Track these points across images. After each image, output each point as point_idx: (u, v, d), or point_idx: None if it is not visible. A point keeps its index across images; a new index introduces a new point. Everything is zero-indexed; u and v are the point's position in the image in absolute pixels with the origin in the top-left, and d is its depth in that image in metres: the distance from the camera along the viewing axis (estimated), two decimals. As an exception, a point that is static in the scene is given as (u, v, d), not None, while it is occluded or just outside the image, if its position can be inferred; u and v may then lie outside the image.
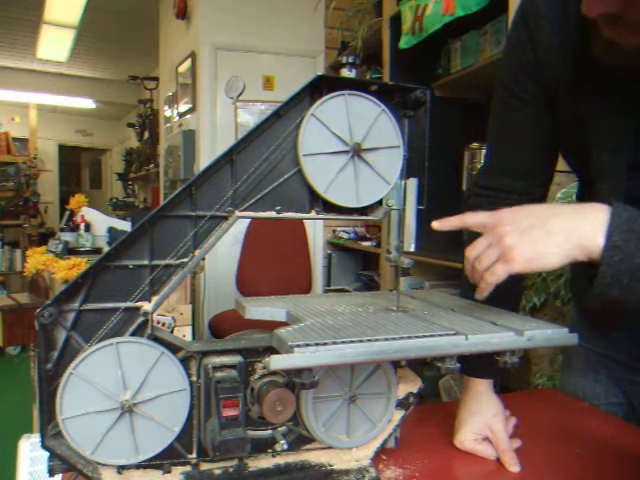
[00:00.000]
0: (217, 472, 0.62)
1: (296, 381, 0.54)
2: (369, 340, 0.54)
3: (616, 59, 0.63)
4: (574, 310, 1.00)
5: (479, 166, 2.16)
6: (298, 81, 0.63)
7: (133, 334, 0.58)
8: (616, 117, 0.70)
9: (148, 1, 4.41)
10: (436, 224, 0.64)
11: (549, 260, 0.56)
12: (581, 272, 0.92)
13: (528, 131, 0.80)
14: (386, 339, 0.55)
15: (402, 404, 0.69)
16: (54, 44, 5.45)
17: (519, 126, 0.81)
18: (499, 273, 0.58)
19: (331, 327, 0.58)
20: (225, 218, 0.61)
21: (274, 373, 0.61)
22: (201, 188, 0.60)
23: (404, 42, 2.36)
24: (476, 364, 0.78)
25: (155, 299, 0.59)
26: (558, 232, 0.56)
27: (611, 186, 0.72)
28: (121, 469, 0.59)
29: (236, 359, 0.61)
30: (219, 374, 0.58)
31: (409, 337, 0.56)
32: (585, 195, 0.85)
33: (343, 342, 0.53)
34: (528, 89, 0.78)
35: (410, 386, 0.69)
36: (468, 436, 0.78)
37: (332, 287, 3.53)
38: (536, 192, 0.83)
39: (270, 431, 0.63)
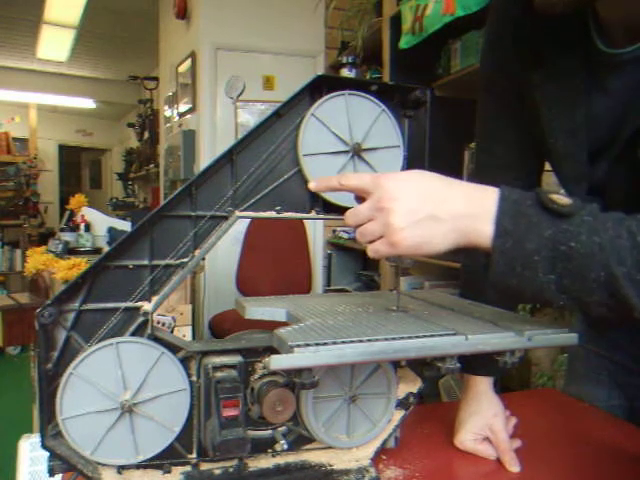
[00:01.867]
0: (217, 472, 0.62)
1: (296, 381, 0.54)
2: (369, 340, 0.54)
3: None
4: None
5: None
6: (298, 81, 0.63)
7: (133, 334, 0.58)
8: (566, 100, 0.70)
9: (148, 1, 4.41)
10: (312, 185, 0.61)
11: (434, 248, 0.53)
12: None
13: (507, 126, 0.81)
14: (386, 339, 0.55)
15: (402, 404, 0.69)
16: (54, 44, 5.45)
17: (499, 122, 0.82)
18: (382, 253, 0.54)
19: (331, 327, 0.58)
20: (225, 218, 0.61)
21: (274, 373, 0.61)
22: (201, 188, 0.60)
23: (404, 42, 2.36)
24: (476, 363, 0.78)
25: (155, 299, 0.59)
26: (446, 220, 0.52)
27: (573, 171, 0.72)
28: (121, 469, 0.59)
29: (236, 359, 0.61)
30: (219, 374, 0.58)
31: (409, 337, 0.56)
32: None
33: (343, 342, 0.53)
34: (501, 85, 0.81)
35: (410, 386, 0.69)
36: (468, 436, 0.78)
37: (332, 287, 3.53)
38: (526, 182, 0.82)
39: (270, 431, 0.63)
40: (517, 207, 0.52)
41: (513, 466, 0.73)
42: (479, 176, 0.86)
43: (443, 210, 0.53)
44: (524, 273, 0.51)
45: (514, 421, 0.81)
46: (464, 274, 0.89)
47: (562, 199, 0.51)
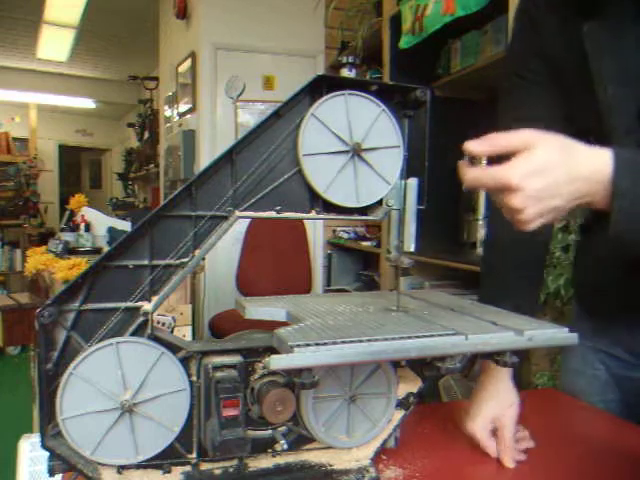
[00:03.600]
0: (217, 472, 0.62)
1: (296, 381, 0.54)
2: (369, 340, 0.54)
3: None
4: (576, 305, 1.00)
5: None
6: (298, 81, 0.63)
7: (133, 334, 0.58)
8: (619, 47, 0.71)
9: (148, 1, 4.41)
10: (474, 145, 0.59)
11: (555, 219, 0.58)
12: (585, 251, 0.94)
13: (539, 106, 0.84)
14: (386, 339, 0.55)
15: (402, 404, 0.69)
16: (54, 44, 5.45)
17: (530, 104, 0.85)
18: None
19: (331, 327, 0.58)
20: (225, 218, 0.61)
21: (274, 373, 0.61)
22: (201, 188, 0.60)
23: (404, 42, 2.36)
24: None
25: (155, 299, 0.59)
26: (568, 194, 0.57)
27: (622, 123, 0.72)
28: (121, 469, 0.59)
29: (236, 359, 0.61)
30: (219, 374, 0.58)
31: (409, 337, 0.56)
32: None
33: (343, 342, 0.53)
34: (533, 68, 0.83)
35: (410, 386, 0.69)
36: (481, 422, 0.77)
37: (332, 287, 3.53)
38: None
39: (270, 431, 0.63)
40: (632, 166, 0.54)
41: (508, 463, 0.73)
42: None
43: (569, 192, 0.56)
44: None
45: (526, 433, 0.80)
46: (486, 277, 0.90)
47: None
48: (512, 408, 0.78)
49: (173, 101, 4.08)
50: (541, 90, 0.84)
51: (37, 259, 2.44)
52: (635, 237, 0.57)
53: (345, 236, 3.42)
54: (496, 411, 0.77)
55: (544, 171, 0.55)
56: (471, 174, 0.59)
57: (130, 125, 6.46)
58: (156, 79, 5.17)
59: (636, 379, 0.87)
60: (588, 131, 0.81)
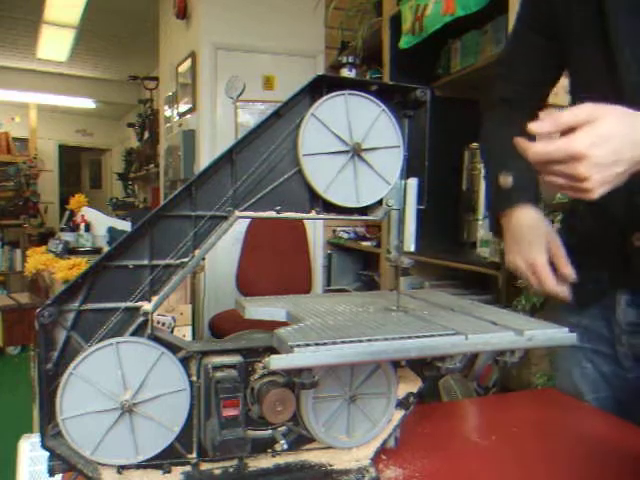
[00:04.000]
0: (217, 472, 0.62)
1: (296, 381, 0.54)
2: (369, 340, 0.54)
3: None
4: (560, 306, 1.02)
5: (479, 166, 2.16)
6: (298, 81, 0.63)
7: (133, 334, 0.58)
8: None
9: (148, 1, 4.41)
10: (538, 125, 0.61)
11: (618, 183, 0.61)
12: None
13: (538, 54, 0.93)
14: (386, 339, 0.55)
15: (402, 404, 0.69)
16: (54, 44, 5.45)
17: (529, 48, 0.95)
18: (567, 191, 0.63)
19: (331, 327, 0.58)
20: (225, 218, 0.61)
21: (274, 373, 0.61)
22: (201, 188, 0.60)
23: (404, 42, 2.36)
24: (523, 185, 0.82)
25: (155, 299, 0.59)
26: (630, 159, 0.60)
27: (633, 52, 0.75)
28: (121, 469, 0.59)
29: (236, 359, 0.61)
30: (219, 374, 0.58)
31: (409, 337, 0.56)
32: None
33: (343, 342, 0.53)
34: (540, 19, 0.91)
35: (410, 386, 0.69)
36: (544, 255, 0.81)
37: (332, 287, 3.53)
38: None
39: (270, 431, 0.63)
40: None
41: (564, 267, 0.79)
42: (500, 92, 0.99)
43: (628, 154, 0.59)
44: None
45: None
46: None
47: None
48: (551, 231, 0.82)
49: (173, 101, 4.08)
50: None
51: (37, 259, 2.44)
52: None
53: (345, 236, 3.42)
54: (545, 242, 0.81)
55: (609, 139, 0.58)
56: (536, 147, 0.61)
57: (130, 125, 6.46)
58: (156, 79, 5.17)
59: (621, 374, 0.88)
60: (588, 85, 0.85)
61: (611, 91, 0.76)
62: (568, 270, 0.79)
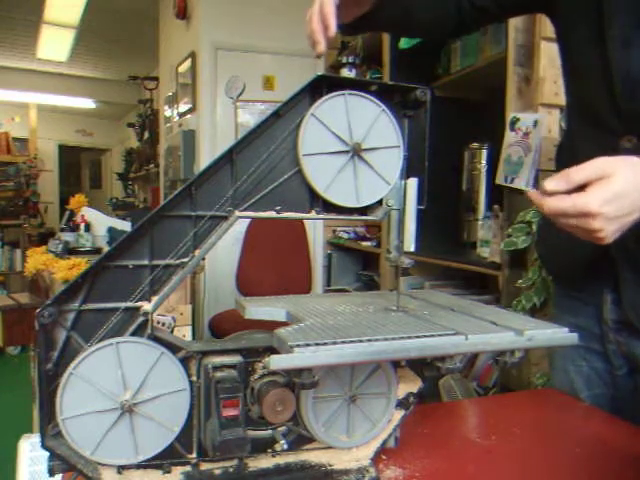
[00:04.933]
0: (217, 472, 0.62)
1: (296, 381, 0.54)
2: (369, 340, 0.54)
3: None
4: (553, 306, 1.04)
5: (479, 166, 2.16)
6: (298, 81, 0.63)
7: (133, 334, 0.58)
8: None
9: (148, 1, 4.41)
10: (551, 184, 0.62)
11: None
12: (549, 233, 0.97)
13: None
14: (386, 339, 0.55)
15: (402, 404, 0.69)
16: (54, 44, 5.45)
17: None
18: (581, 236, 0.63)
19: (331, 327, 0.58)
20: (225, 218, 0.61)
21: (274, 373, 0.61)
22: (201, 188, 0.60)
23: (404, 42, 2.36)
24: None
25: (155, 299, 0.59)
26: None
27: (622, 31, 0.75)
28: (121, 469, 0.59)
29: (236, 359, 0.61)
30: (219, 374, 0.58)
31: (409, 337, 0.56)
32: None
33: (343, 342, 0.53)
34: None
35: (410, 386, 0.69)
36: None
37: (332, 287, 3.53)
38: None
39: (270, 431, 0.63)
40: None
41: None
42: None
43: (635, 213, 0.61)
44: None
45: None
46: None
47: None
48: None
49: (173, 101, 4.08)
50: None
51: (37, 259, 2.44)
52: None
53: (345, 236, 3.42)
54: None
55: (622, 196, 0.59)
56: (551, 203, 0.62)
57: (130, 125, 6.46)
58: (156, 79, 5.17)
59: (613, 372, 0.89)
60: (578, 53, 0.84)
61: (598, 60, 0.77)
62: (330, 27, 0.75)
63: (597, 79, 0.79)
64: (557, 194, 0.61)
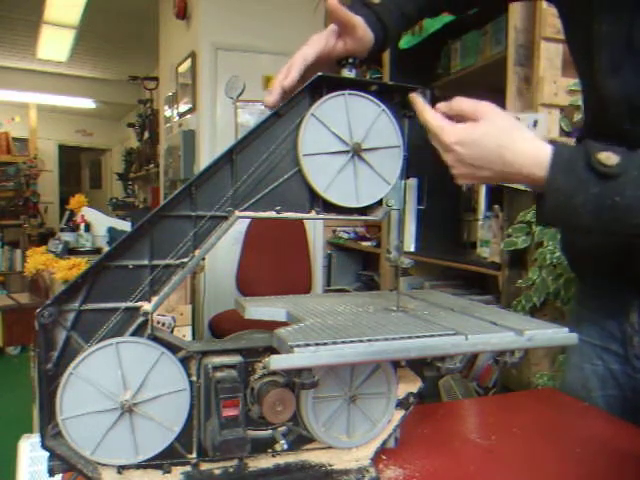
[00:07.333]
0: (217, 472, 0.62)
1: (296, 381, 0.54)
2: (369, 340, 0.54)
3: None
4: (575, 302, 1.02)
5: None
6: (298, 81, 0.63)
7: (133, 334, 0.58)
8: None
9: (148, 1, 4.41)
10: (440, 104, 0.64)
11: (489, 183, 0.65)
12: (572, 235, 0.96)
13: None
14: (386, 339, 0.55)
15: (402, 404, 0.69)
16: (54, 44, 5.45)
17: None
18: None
19: (331, 327, 0.58)
20: (225, 218, 0.61)
21: (274, 373, 0.61)
22: (201, 188, 0.60)
23: (404, 42, 2.36)
24: None
25: (155, 299, 0.59)
26: (499, 173, 0.62)
27: (611, 59, 0.73)
28: (121, 469, 0.59)
29: (236, 359, 0.61)
30: (219, 374, 0.58)
31: (409, 337, 0.56)
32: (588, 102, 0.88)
33: (343, 342, 0.53)
34: None
35: (410, 386, 0.69)
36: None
37: (332, 287, 3.53)
38: None
39: (270, 431, 0.63)
40: (568, 166, 0.59)
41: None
42: None
43: (497, 167, 0.62)
44: (568, 220, 0.61)
45: None
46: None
47: (611, 158, 0.57)
48: None
49: (173, 101, 4.08)
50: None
51: (37, 259, 2.44)
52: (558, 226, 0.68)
53: (345, 236, 3.42)
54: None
55: (477, 144, 0.60)
56: (423, 112, 0.64)
57: (130, 125, 6.46)
58: (156, 79, 5.17)
59: (630, 374, 0.88)
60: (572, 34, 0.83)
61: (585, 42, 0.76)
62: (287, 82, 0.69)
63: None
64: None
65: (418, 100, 0.65)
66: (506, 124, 0.62)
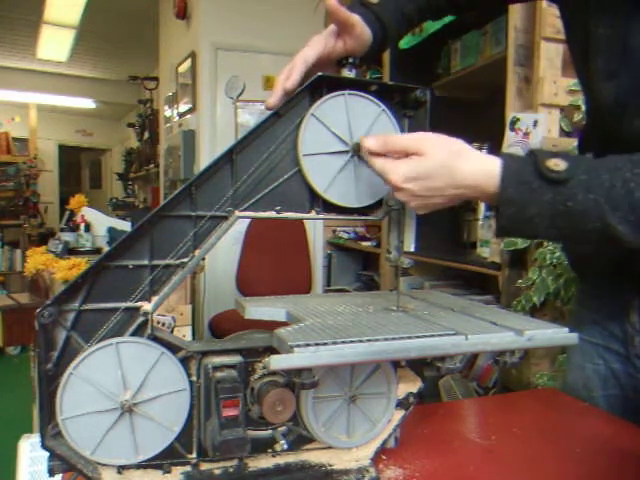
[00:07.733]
0: (217, 472, 0.62)
1: (296, 381, 0.54)
2: (369, 340, 0.54)
3: None
4: (575, 302, 1.02)
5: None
6: (298, 81, 0.63)
7: (133, 334, 0.58)
8: None
9: (148, 1, 4.41)
10: (370, 141, 0.62)
11: (436, 207, 0.64)
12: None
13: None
14: (386, 339, 0.55)
15: (402, 404, 0.69)
16: (54, 44, 5.45)
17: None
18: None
19: (331, 327, 0.58)
20: (225, 218, 0.61)
21: (274, 373, 0.61)
22: (201, 188, 0.60)
23: (404, 42, 2.36)
24: None
25: (155, 299, 0.59)
26: (451, 195, 0.61)
27: (606, 64, 0.73)
28: (121, 469, 0.59)
29: (236, 359, 0.61)
30: (219, 374, 0.58)
31: (409, 337, 0.56)
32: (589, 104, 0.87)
33: (343, 342, 0.53)
34: None
35: (410, 386, 0.69)
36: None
37: (332, 287, 3.53)
38: None
39: (270, 431, 0.63)
40: (518, 177, 0.59)
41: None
42: None
43: (448, 192, 0.61)
44: (525, 230, 0.61)
45: None
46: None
47: (559, 164, 0.58)
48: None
49: (173, 101, 4.08)
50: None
51: (37, 259, 2.44)
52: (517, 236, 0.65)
53: (345, 236, 3.42)
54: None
55: (427, 178, 0.60)
56: (367, 156, 0.63)
57: (130, 125, 6.46)
58: (156, 79, 5.17)
59: (632, 373, 0.88)
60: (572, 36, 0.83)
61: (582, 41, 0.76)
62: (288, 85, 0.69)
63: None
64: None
65: (363, 146, 0.63)
66: (451, 149, 0.61)
